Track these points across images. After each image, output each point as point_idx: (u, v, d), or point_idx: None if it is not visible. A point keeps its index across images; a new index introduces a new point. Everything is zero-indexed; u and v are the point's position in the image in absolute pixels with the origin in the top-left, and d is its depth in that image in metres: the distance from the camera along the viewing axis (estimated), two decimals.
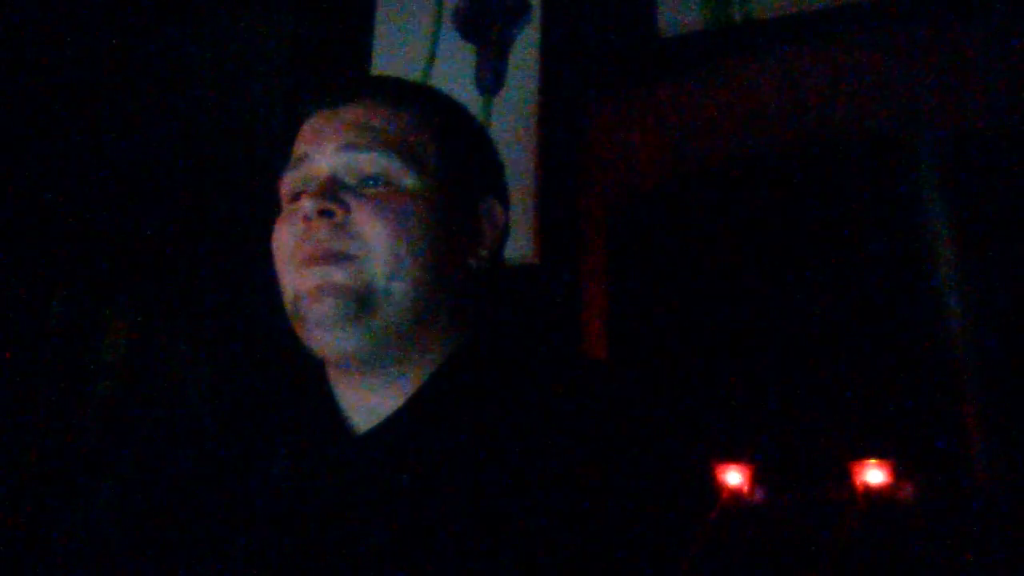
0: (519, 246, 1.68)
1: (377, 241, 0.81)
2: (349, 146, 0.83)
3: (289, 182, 0.87)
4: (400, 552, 0.74)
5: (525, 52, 1.82)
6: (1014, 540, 3.53)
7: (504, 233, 0.92)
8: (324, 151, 0.84)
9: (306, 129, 0.88)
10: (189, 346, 2.91)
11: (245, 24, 2.32)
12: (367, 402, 0.83)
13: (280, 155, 0.89)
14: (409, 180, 0.83)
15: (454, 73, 1.84)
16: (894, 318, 4.02)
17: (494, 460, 0.75)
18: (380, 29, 1.94)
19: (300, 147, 0.87)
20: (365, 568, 0.74)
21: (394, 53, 1.91)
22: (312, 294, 0.81)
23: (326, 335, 0.80)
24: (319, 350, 0.83)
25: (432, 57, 1.88)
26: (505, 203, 0.94)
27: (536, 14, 1.84)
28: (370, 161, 0.83)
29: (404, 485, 0.76)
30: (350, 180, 0.83)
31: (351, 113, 0.85)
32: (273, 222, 0.87)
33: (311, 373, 0.88)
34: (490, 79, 1.82)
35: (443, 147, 0.87)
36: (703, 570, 0.76)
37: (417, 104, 0.88)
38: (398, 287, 0.80)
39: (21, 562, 1.99)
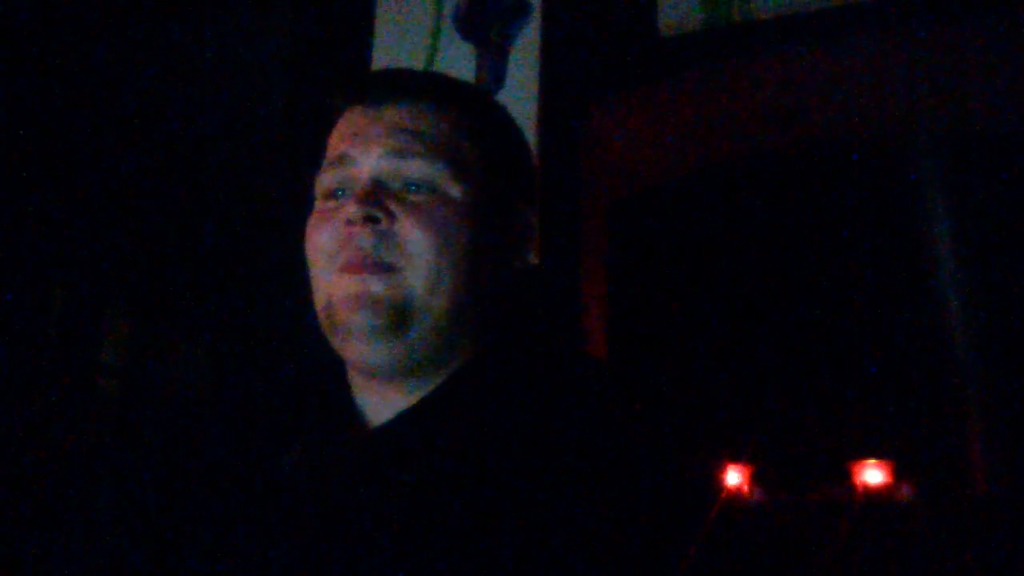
0: None
1: (420, 253, 0.79)
2: (396, 152, 0.81)
3: (327, 180, 0.84)
4: (407, 545, 0.74)
5: (525, 52, 1.82)
6: (1014, 540, 3.53)
7: (535, 241, 0.92)
8: (369, 154, 0.82)
9: (344, 127, 0.85)
10: (189, 346, 2.91)
11: (245, 24, 2.32)
12: (386, 401, 0.83)
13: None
14: (453, 188, 0.82)
15: (454, 73, 1.84)
16: (894, 318, 4.02)
17: (499, 457, 0.76)
18: (380, 29, 1.94)
19: (340, 146, 0.84)
20: (373, 560, 0.74)
21: (394, 53, 1.91)
22: (348, 303, 0.79)
23: (359, 346, 0.79)
24: (350, 359, 0.81)
25: (432, 57, 1.88)
26: (536, 210, 0.93)
27: (536, 14, 1.84)
28: (416, 167, 0.81)
29: (412, 480, 0.76)
30: (394, 184, 0.81)
31: (395, 114, 0.83)
32: (305, 218, 0.84)
33: (328, 369, 0.87)
34: (490, 79, 1.82)
35: (486, 153, 0.85)
36: (703, 570, 0.76)
37: (460, 106, 0.86)
38: (436, 301, 0.79)
39: (21, 562, 1.98)
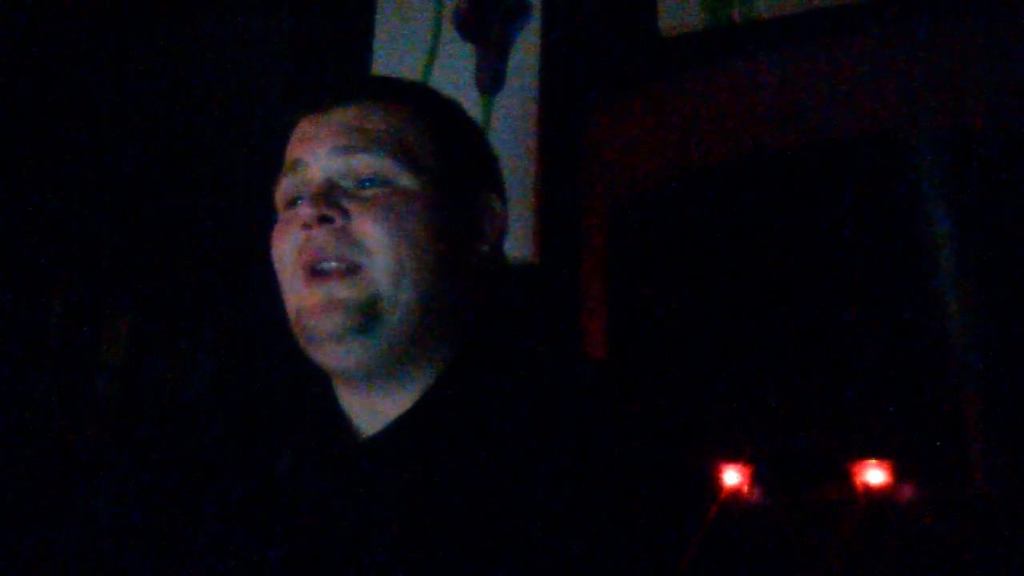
0: (519, 246, 1.68)
1: (379, 246, 0.79)
2: (343, 149, 0.82)
3: (284, 189, 0.85)
4: (404, 555, 0.74)
5: (525, 52, 1.82)
6: (1014, 540, 3.53)
7: (504, 227, 0.91)
8: (318, 155, 0.83)
9: (297, 134, 0.86)
10: (189, 346, 2.91)
11: (245, 24, 2.32)
12: (371, 406, 0.83)
13: (276, 159, 0.89)
14: (406, 180, 0.82)
15: (454, 73, 1.84)
16: (894, 318, 4.02)
17: (496, 463, 0.75)
18: (380, 29, 1.94)
19: (292, 153, 0.85)
20: (369, 571, 0.74)
21: (394, 53, 1.91)
22: (316, 310, 0.79)
23: (332, 350, 0.79)
24: (327, 364, 0.81)
25: (432, 57, 1.88)
26: (503, 197, 0.92)
27: (536, 14, 1.84)
28: (366, 163, 0.82)
29: (409, 489, 0.76)
30: (346, 183, 0.82)
31: (343, 115, 0.84)
32: (270, 229, 0.85)
33: (313, 377, 0.87)
34: (490, 79, 1.82)
35: (438, 144, 0.85)
36: (703, 570, 0.76)
37: (410, 102, 0.87)
38: (403, 294, 0.79)
39: (21, 562, 1.99)
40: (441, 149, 0.86)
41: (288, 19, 2.10)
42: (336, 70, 1.97)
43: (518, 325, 0.93)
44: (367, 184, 0.82)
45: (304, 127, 0.86)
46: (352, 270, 0.79)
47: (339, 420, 0.85)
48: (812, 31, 1.75)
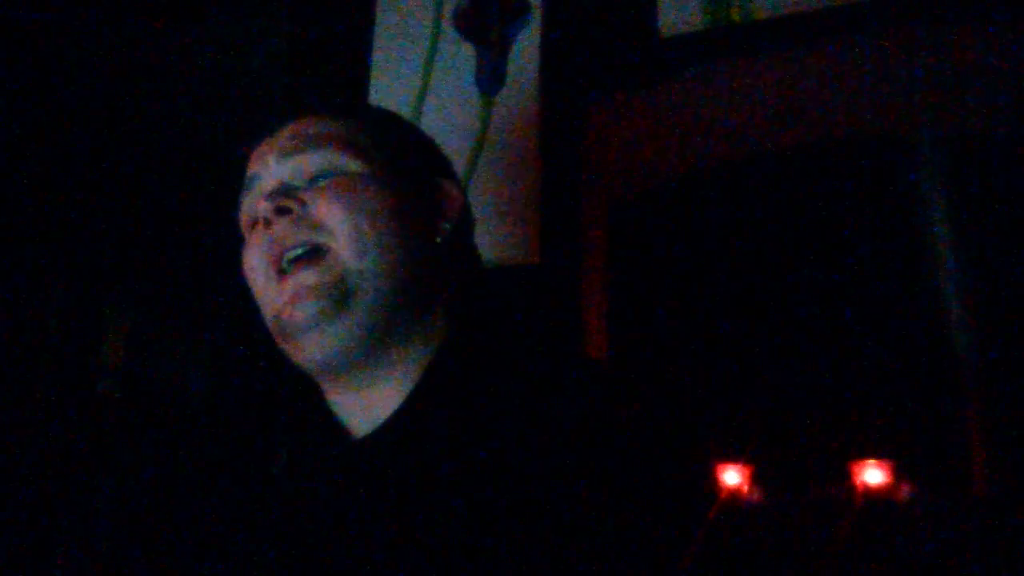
0: (519, 246, 1.68)
1: (338, 223, 0.81)
2: (290, 151, 0.86)
3: (246, 208, 0.89)
4: (400, 555, 0.74)
5: (525, 52, 1.82)
6: (1014, 540, 3.53)
7: (464, 209, 0.93)
8: (268, 165, 0.87)
9: (250, 160, 0.90)
10: (189, 346, 2.91)
11: (245, 24, 2.32)
12: (359, 404, 0.83)
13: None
14: (355, 166, 0.85)
15: (454, 73, 1.84)
16: (894, 318, 4.02)
17: (492, 462, 0.75)
18: (380, 29, 1.94)
19: (248, 173, 0.90)
20: (365, 571, 0.74)
21: (394, 53, 1.91)
22: (288, 304, 0.81)
23: (309, 340, 0.80)
24: (306, 358, 0.82)
25: (432, 57, 1.88)
26: (455, 180, 0.95)
27: (536, 14, 1.84)
28: (313, 160, 0.85)
29: (404, 489, 0.76)
30: (299, 182, 0.85)
31: (287, 130, 0.88)
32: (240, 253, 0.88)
33: (304, 381, 0.87)
34: (490, 79, 1.82)
35: (379, 138, 0.89)
36: (703, 570, 0.76)
37: (346, 111, 0.92)
38: (369, 264, 0.81)
39: (22, 562, 1.99)
40: (382, 143, 0.89)
41: (287, 21, 2.10)
42: (335, 72, 1.97)
43: (518, 325, 0.94)
44: (319, 179, 0.85)
45: (256, 150, 0.90)
46: (317, 253, 0.81)
47: (330, 421, 0.85)
48: (812, 31, 1.74)
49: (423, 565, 0.73)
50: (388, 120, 0.95)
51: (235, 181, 0.93)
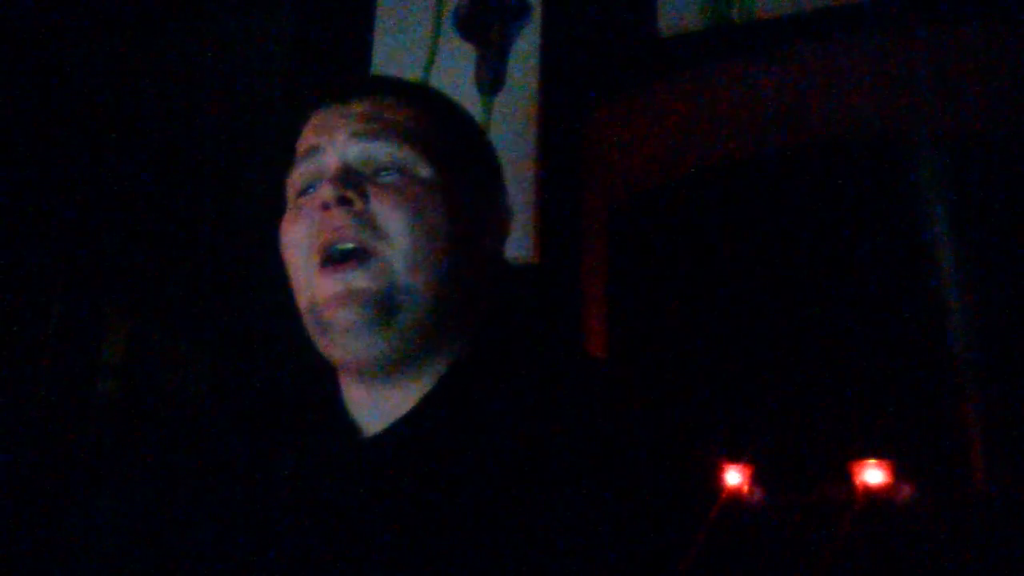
0: (519, 246, 1.68)
1: (396, 232, 0.79)
2: (362, 135, 0.82)
3: (298, 176, 0.85)
4: (408, 554, 0.74)
5: (525, 52, 1.82)
6: (1014, 540, 3.53)
7: (508, 226, 0.92)
8: (336, 141, 0.83)
9: (313, 122, 0.86)
10: (189, 346, 2.91)
11: (245, 24, 2.32)
12: (374, 402, 0.83)
13: (281, 156, 0.88)
14: (423, 169, 0.82)
15: (454, 73, 1.84)
16: (894, 318, 4.02)
17: (498, 462, 0.75)
18: (380, 29, 1.94)
19: (309, 139, 0.85)
20: (373, 569, 0.74)
21: (394, 53, 1.91)
22: (333, 302, 0.79)
23: (350, 343, 0.79)
24: (342, 357, 0.81)
25: (432, 57, 1.88)
26: (507, 195, 0.93)
27: (536, 14, 1.84)
28: (384, 150, 0.82)
29: (412, 488, 0.76)
30: (364, 170, 0.82)
31: (359, 106, 0.84)
32: (278, 221, 0.85)
33: (316, 373, 0.87)
34: (490, 79, 1.82)
35: (450, 138, 0.86)
36: (703, 570, 0.76)
37: (421, 98, 0.88)
38: (419, 282, 0.79)
39: (22, 563, 1.98)
40: (453, 143, 0.86)
41: (288, 19, 2.10)
42: (336, 70, 1.97)
43: (520, 325, 0.93)
44: (385, 172, 0.82)
45: (320, 116, 0.86)
46: (368, 255, 0.79)
47: (342, 417, 0.85)
48: (812, 31, 1.75)
49: (429, 563, 0.73)
50: (460, 117, 0.92)
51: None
